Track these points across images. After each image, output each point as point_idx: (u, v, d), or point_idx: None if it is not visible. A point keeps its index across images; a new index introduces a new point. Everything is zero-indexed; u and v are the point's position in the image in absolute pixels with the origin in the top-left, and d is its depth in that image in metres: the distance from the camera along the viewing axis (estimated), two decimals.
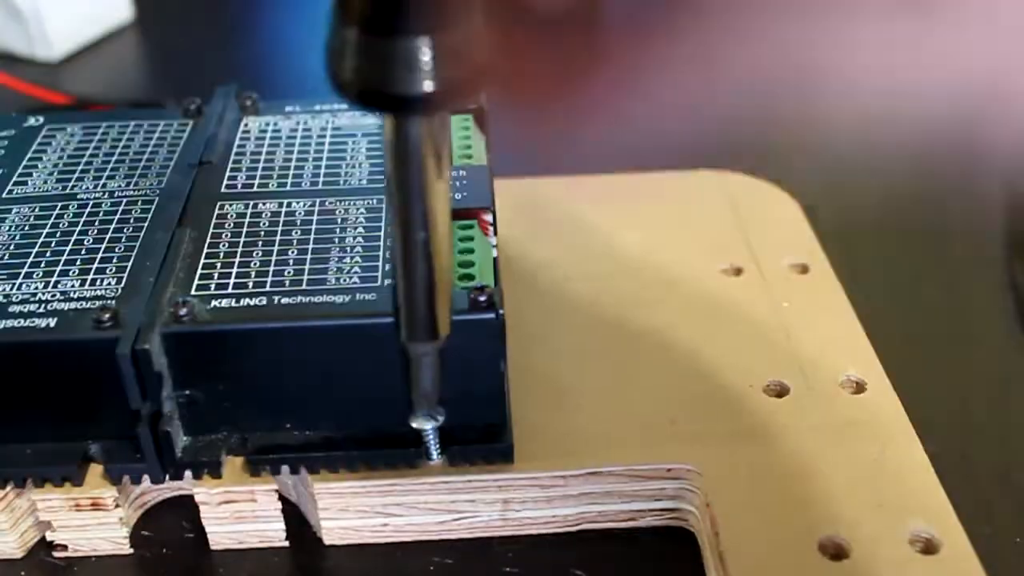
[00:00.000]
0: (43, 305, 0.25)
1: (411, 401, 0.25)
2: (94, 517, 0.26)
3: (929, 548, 0.24)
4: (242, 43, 0.58)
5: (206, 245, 0.27)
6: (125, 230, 0.28)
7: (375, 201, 0.28)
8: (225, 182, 0.29)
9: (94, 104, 0.46)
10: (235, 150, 0.31)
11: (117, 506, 0.26)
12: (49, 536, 0.26)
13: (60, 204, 0.29)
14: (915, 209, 0.41)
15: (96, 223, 0.28)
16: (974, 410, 0.31)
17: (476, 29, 0.18)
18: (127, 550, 0.27)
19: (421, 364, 0.24)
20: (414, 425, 0.25)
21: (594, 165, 0.39)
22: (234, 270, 0.26)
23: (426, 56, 0.17)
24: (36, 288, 0.26)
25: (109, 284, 0.26)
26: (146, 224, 0.28)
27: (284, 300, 0.25)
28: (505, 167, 0.32)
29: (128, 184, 0.30)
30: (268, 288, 0.25)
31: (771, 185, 0.37)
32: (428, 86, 0.17)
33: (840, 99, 0.50)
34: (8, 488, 0.26)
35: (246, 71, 0.54)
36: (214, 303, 0.25)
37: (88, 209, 0.28)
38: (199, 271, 0.26)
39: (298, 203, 0.28)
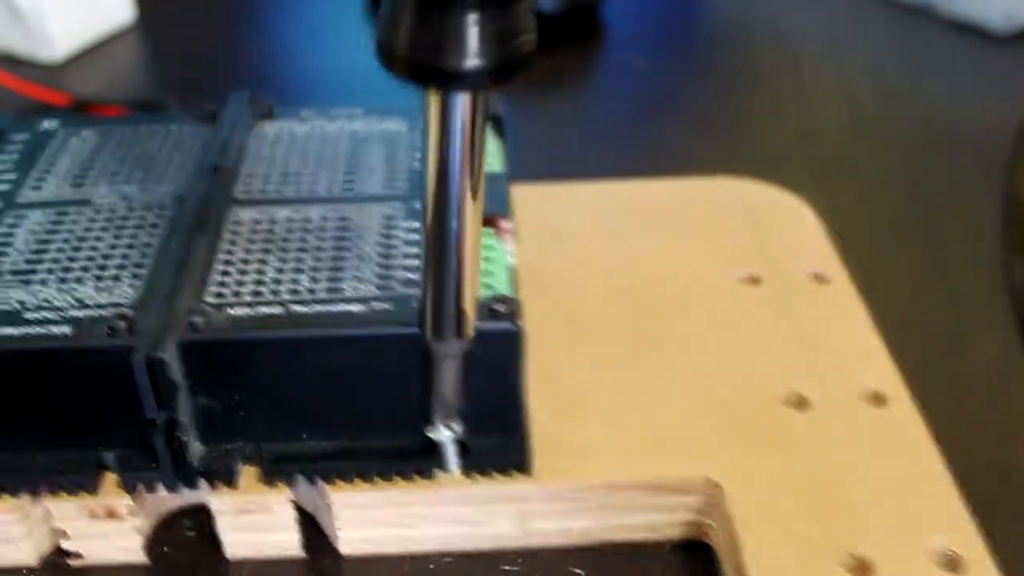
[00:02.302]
0: (58, 312, 0.25)
1: (430, 410, 0.25)
2: (109, 526, 0.26)
3: (953, 565, 0.24)
4: (244, 43, 0.58)
5: (222, 252, 0.27)
6: (140, 236, 0.27)
7: (392, 208, 0.28)
8: (240, 188, 0.29)
9: (95, 105, 0.46)
10: (250, 156, 0.31)
11: (132, 515, 0.26)
12: (64, 544, 0.26)
13: (75, 209, 0.29)
14: (912, 209, 0.41)
15: (111, 229, 0.28)
16: (974, 410, 0.31)
17: (523, 10, 0.18)
18: (142, 559, 0.27)
19: (444, 368, 0.24)
20: (432, 436, 0.25)
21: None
22: (250, 278, 0.26)
23: (475, 32, 0.17)
24: (51, 295, 0.25)
25: (125, 291, 0.26)
26: (161, 231, 0.28)
27: (300, 309, 0.25)
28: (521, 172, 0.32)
29: (143, 189, 0.29)
30: (284, 297, 0.25)
31: (787, 193, 0.37)
32: (476, 62, 0.17)
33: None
34: (23, 496, 0.25)
35: (247, 72, 0.54)
36: (230, 311, 0.25)
37: (103, 215, 0.28)
38: (215, 279, 0.26)
39: (314, 210, 0.28)
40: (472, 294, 0.22)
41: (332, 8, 0.59)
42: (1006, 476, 0.29)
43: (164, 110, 0.43)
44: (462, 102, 0.19)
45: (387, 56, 0.18)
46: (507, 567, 0.27)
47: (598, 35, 0.57)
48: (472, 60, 0.17)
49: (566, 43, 0.56)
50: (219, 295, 0.25)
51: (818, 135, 0.47)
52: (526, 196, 0.32)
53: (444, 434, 0.25)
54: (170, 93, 0.48)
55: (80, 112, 0.43)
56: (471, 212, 0.21)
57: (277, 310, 0.25)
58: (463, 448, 0.26)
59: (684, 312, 0.31)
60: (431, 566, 0.27)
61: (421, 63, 0.18)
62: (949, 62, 0.53)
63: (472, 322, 0.23)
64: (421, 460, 0.26)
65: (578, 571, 0.26)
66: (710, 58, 0.56)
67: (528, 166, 0.31)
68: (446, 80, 0.18)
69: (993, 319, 0.35)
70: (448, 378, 0.24)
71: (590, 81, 0.55)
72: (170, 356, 0.24)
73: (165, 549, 0.27)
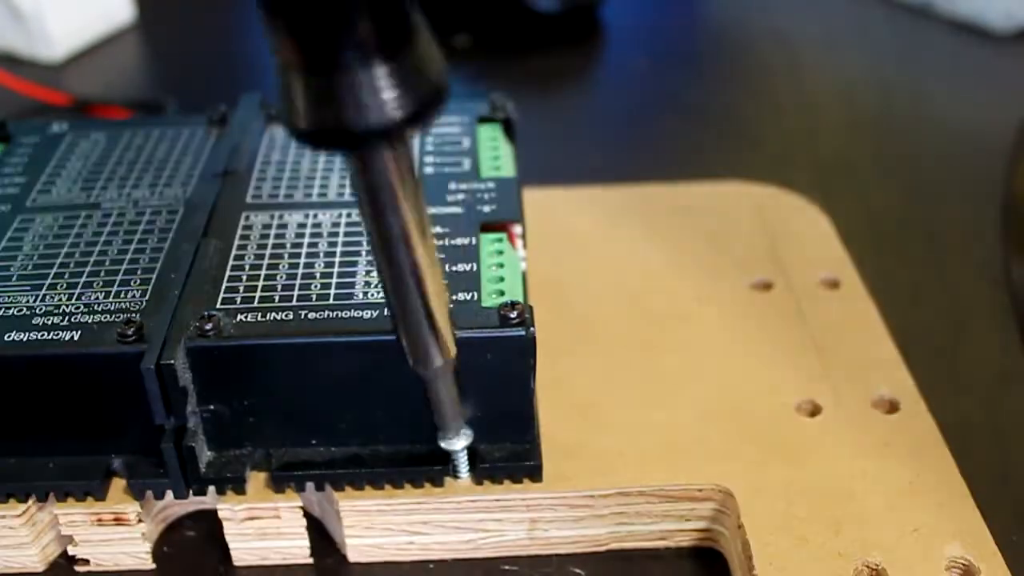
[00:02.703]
0: (67, 318, 0.25)
1: (437, 423, 0.25)
2: (116, 532, 0.26)
3: (967, 574, 0.24)
4: (244, 43, 0.58)
5: (231, 257, 0.27)
6: (150, 241, 0.27)
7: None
8: (250, 192, 0.29)
9: (96, 105, 0.46)
10: (260, 160, 0.31)
11: (140, 521, 0.26)
12: (71, 550, 0.26)
13: (84, 213, 0.28)
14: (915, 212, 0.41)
15: (120, 233, 0.28)
16: (974, 410, 0.31)
17: (422, 49, 0.17)
18: (149, 565, 0.26)
19: (435, 387, 0.23)
20: (443, 446, 0.25)
21: None
22: (260, 283, 0.26)
23: (376, 86, 0.16)
24: (60, 300, 0.25)
25: (134, 296, 0.25)
26: (171, 235, 0.27)
27: (310, 315, 0.25)
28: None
29: (153, 193, 0.29)
30: (294, 302, 0.25)
31: (799, 197, 0.37)
32: (382, 116, 0.17)
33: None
34: (30, 502, 0.25)
35: (247, 72, 0.54)
36: (239, 317, 0.25)
37: (112, 219, 0.28)
38: (224, 284, 0.26)
39: (324, 214, 0.28)
40: (444, 318, 0.21)
41: None
42: (1006, 476, 0.29)
43: (164, 110, 0.43)
44: (381, 156, 0.18)
45: (291, 128, 0.17)
46: (507, 567, 0.26)
47: (598, 35, 0.57)
48: (377, 115, 0.17)
49: (566, 43, 0.56)
50: (229, 300, 0.25)
51: (818, 135, 0.47)
52: (534, 200, 0.32)
53: (455, 445, 0.25)
54: (170, 93, 0.48)
55: (86, 114, 0.43)
56: (420, 248, 0.20)
57: (287, 315, 0.25)
58: (473, 455, 0.25)
59: (696, 318, 0.31)
60: (431, 566, 0.27)
61: (323, 129, 0.17)
62: (949, 62, 0.53)
63: (450, 340, 0.22)
64: (431, 467, 0.25)
65: (578, 571, 0.26)
66: (710, 59, 0.56)
67: (527, 166, 0.31)
68: (355, 141, 0.17)
69: (993, 319, 0.35)
70: (444, 396, 0.24)
71: (590, 81, 0.55)
72: (179, 362, 0.24)
73: (172, 555, 0.27)
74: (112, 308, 0.25)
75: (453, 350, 0.22)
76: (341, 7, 0.16)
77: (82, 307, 0.25)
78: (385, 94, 0.17)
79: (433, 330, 0.21)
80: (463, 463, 0.25)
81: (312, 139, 0.17)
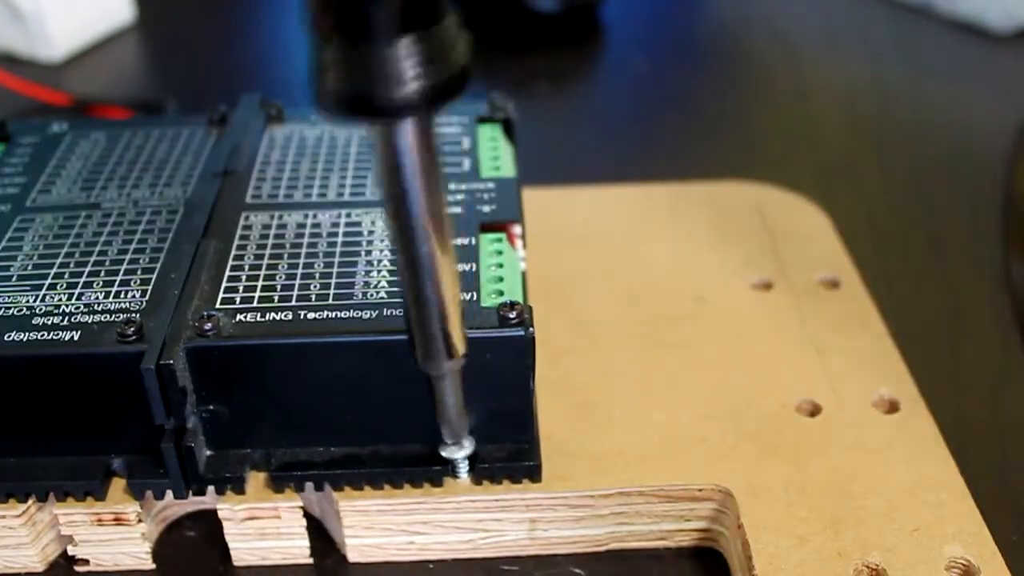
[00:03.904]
0: (67, 318, 0.25)
1: (439, 428, 0.25)
2: (116, 532, 0.26)
3: (968, 574, 0.24)
4: (243, 43, 0.58)
5: (231, 257, 0.27)
6: (150, 241, 0.27)
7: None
8: (250, 192, 0.29)
9: (96, 105, 0.46)
10: (260, 160, 0.31)
11: (140, 521, 0.26)
12: (71, 550, 0.26)
13: (84, 213, 0.28)
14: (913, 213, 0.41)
15: (120, 233, 0.28)
16: (974, 410, 0.31)
17: (451, 28, 0.17)
18: (149, 565, 0.26)
19: (442, 387, 0.23)
20: (444, 455, 0.25)
21: None
22: (259, 283, 0.26)
23: (406, 59, 0.17)
24: (60, 300, 0.25)
25: (133, 296, 0.25)
26: (171, 235, 0.27)
27: (310, 315, 0.25)
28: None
29: (153, 193, 0.29)
30: (294, 302, 0.25)
31: (800, 197, 0.37)
32: (411, 89, 0.17)
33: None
34: (30, 502, 0.25)
35: (247, 72, 0.54)
36: (239, 317, 0.25)
37: (112, 219, 0.28)
38: (224, 284, 0.26)
39: (324, 215, 0.28)
40: (456, 314, 0.22)
41: None
42: (1005, 476, 0.29)
43: (164, 110, 0.43)
44: (406, 130, 0.18)
45: (319, 93, 0.17)
46: (507, 567, 0.26)
47: (598, 35, 0.57)
48: (406, 87, 0.17)
49: (566, 43, 0.56)
50: (228, 300, 0.25)
51: (817, 135, 0.47)
52: (535, 200, 0.32)
53: (457, 453, 0.25)
54: (170, 93, 0.48)
55: (86, 114, 0.43)
56: (439, 234, 0.20)
57: (287, 315, 0.25)
58: (473, 455, 0.25)
59: (696, 318, 0.31)
60: (430, 566, 0.27)
61: (354, 97, 0.17)
62: (949, 62, 0.53)
63: (461, 341, 0.22)
64: (431, 467, 0.25)
65: (578, 571, 0.26)
66: (710, 59, 0.56)
67: (526, 166, 0.31)
68: (383, 110, 0.17)
69: (993, 319, 0.35)
70: (449, 397, 0.24)
71: (590, 81, 0.55)
72: (179, 362, 0.24)
73: (172, 555, 0.27)
74: (112, 308, 0.25)
75: (463, 349, 0.22)
76: None
77: (82, 307, 0.25)
78: (413, 67, 0.17)
79: (445, 324, 0.21)
80: (462, 463, 0.25)
81: (339, 107, 0.17)
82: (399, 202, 0.19)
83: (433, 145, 0.19)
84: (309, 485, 0.25)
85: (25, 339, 0.24)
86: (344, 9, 0.17)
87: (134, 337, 0.24)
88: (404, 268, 0.20)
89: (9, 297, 0.25)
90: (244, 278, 0.26)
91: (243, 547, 0.26)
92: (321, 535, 0.27)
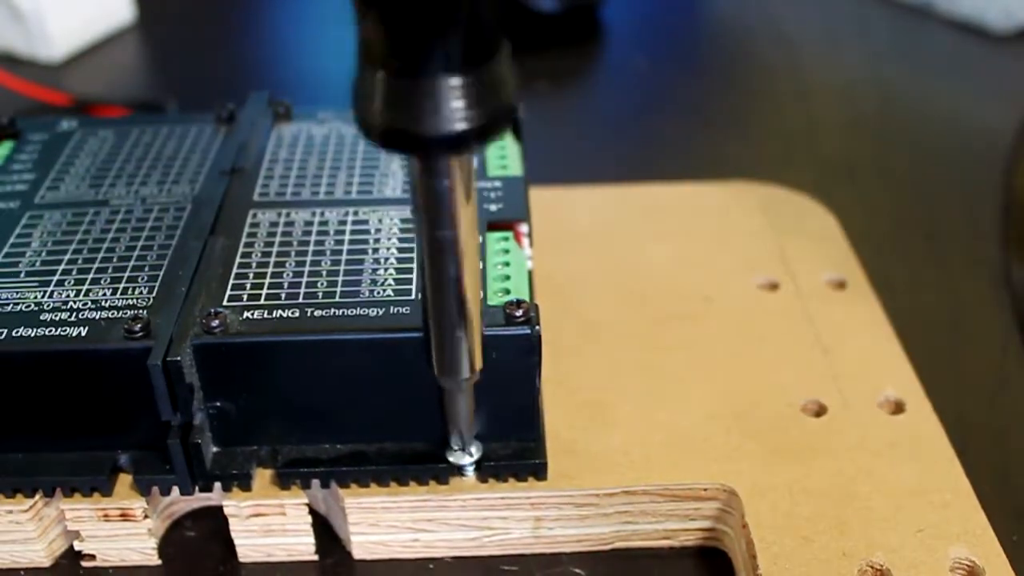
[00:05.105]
0: (74, 314, 0.25)
1: (447, 434, 0.25)
2: (123, 527, 0.26)
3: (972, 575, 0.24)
4: (244, 43, 0.58)
5: (238, 255, 0.27)
6: (157, 238, 0.27)
7: (409, 211, 0.28)
8: (258, 190, 0.29)
9: (96, 105, 0.46)
10: (268, 158, 0.31)
11: (146, 517, 0.26)
12: (77, 546, 0.26)
13: (92, 210, 0.29)
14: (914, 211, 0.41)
15: (128, 230, 0.28)
16: (974, 410, 0.31)
17: (501, 68, 0.17)
18: (155, 561, 0.27)
19: (456, 400, 0.24)
20: (451, 460, 0.25)
21: None
22: (267, 281, 0.26)
23: (453, 96, 0.17)
24: (68, 296, 0.25)
25: (141, 293, 0.25)
26: (178, 232, 0.27)
27: (317, 312, 0.25)
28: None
29: (161, 191, 0.29)
30: (301, 300, 0.25)
31: (806, 197, 0.37)
32: (456, 126, 0.17)
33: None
34: (37, 497, 0.25)
35: (247, 72, 0.54)
36: (246, 314, 0.25)
37: (120, 216, 0.28)
38: (231, 281, 0.26)
39: (331, 212, 0.28)
40: (476, 332, 0.22)
41: (333, 7, 0.59)
42: (1006, 476, 0.29)
43: (163, 111, 0.43)
44: (446, 164, 0.19)
45: (364, 124, 0.18)
46: (506, 567, 0.27)
47: (598, 35, 0.57)
48: (451, 124, 0.17)
49: (566, 43, 0.56)
50: (236, 297, 0.25)
51: (817, 135, 0.47)
52: (540, 199, 0.32)
53: (464, 459, 0.25)
54: (170, 93, 0.48)
55: (86, 114, 0.43)
56: (469, 258, 0.20)
57: (294, 313, 0.25)
58: None
59: (701, 318, 0.31)
60: (431, 566, 0.27)
61: (400, 131, 0.17)
62: (949, 62, 0.53)
63: (478, 356, 0.22)
64: (437, 464, 0.25)
65: (580, 572, 0.26)
66: (710, 58, 0.56)
67: (528, 166, 0.31)
68: (424, 145, 0.18)
69: (993, 319, 0.35)
70: (461, 409, 0.24)
71: (590, 81, 0.55)
72: (186, 359, 0.24)
73: (178, 551, 0.27)
74: (119, 304, 0.25)
75: (480, 364, 0.23)
76: (439, 16, 0.16)
77: (90, 303, 0.25)
78: (460, 105, 0.17)
79: (467, 342, 0.22)
80: (469, 463, 0.25)
81: (383, 139, 0.18)
82: (433, 227, 0.20)
83: (471, 176, 0.19)
84: (315, 482, 0.25)
85: (33, 335, 0.24)
86: (402, 42, 0.17)
87: (141, 333, 0.24)
88: (431, 288, 0.21)
89: (17, 293, 0.25)
90: (251, 275, 0.26)
91: (248, 543, 0.26)
92: (326, 532, 0.27)
